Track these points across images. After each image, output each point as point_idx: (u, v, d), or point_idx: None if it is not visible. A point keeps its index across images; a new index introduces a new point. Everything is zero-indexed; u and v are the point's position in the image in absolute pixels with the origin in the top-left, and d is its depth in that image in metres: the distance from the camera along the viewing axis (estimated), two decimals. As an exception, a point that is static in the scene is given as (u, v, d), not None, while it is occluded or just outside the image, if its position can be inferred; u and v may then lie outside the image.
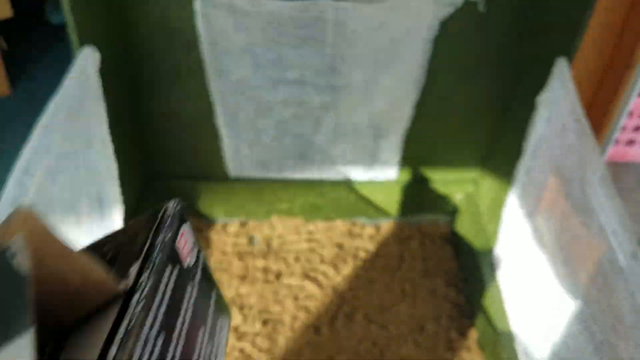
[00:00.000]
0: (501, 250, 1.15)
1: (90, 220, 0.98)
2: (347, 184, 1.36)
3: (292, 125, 1.23)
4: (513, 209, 1.10)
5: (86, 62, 0.92)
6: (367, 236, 1.40)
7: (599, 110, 1.22)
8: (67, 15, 0.89)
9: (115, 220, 1.13)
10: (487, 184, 1.28)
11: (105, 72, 0.97)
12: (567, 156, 0.90)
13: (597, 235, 0.79)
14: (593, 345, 0.80)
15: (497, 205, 1.20)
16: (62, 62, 2.11)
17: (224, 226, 1.40)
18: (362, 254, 1.35)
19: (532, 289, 1.00)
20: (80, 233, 0.93)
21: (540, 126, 0.98)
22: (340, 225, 1.42)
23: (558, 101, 0.92)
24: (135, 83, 1.16)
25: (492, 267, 1.17)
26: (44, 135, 0.77)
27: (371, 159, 1.32)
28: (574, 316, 0.85)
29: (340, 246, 1.37)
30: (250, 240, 1.38)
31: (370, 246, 1.37)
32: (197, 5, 1.04)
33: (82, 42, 0.93)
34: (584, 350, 0.82)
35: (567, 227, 0.88)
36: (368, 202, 1.40)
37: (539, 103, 0.96)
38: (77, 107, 0.88)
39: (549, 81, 0.94)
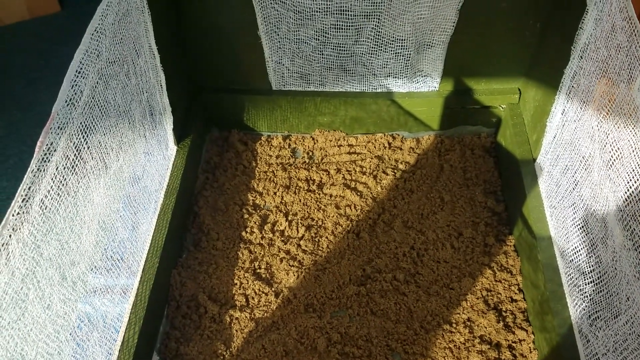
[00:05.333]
0: (543, 158, 1.15)
1: (143, 126, 1.03)
2: (388, 97, 1.36)
3: (333, 35, 1.22)
4: (557, 116, 1.08)
5: (130, -31, 0.93)
6: (407, 149, 1.41)
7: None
8: None
9: (166, 130, 1.19)
10: (531, 93, 1.26)
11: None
12: (616, 57, 0.87)
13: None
14: (632, 243, 0.81)
15: (541, 115, 1.18)
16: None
17: (268, 139, 1.44)
18: (401, 166, 1.37)
19: (573, 195, 1.01)
20: (135, 136, 0.99)
21: (589, 27, 0.95)
22: (380, 138, 1.43)
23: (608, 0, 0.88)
24: (177, -6, 1.17)
25: (534, 175, 1.17)
26: (94, 38, 0.81)
27: (413, 70, 1.31)
28: (613, 217, 0.86)
29: (380, 158, 1.39)
30: (293, 152, 1.42)
31: (410, 158, 1.39)
32: None
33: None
34: (622, 250, 0.83)
35: (612, 130, 0.87)
36: (409, 115, 1.40)
37: (589, 2, 0.92)
38: (124, 13, 0.90)
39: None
